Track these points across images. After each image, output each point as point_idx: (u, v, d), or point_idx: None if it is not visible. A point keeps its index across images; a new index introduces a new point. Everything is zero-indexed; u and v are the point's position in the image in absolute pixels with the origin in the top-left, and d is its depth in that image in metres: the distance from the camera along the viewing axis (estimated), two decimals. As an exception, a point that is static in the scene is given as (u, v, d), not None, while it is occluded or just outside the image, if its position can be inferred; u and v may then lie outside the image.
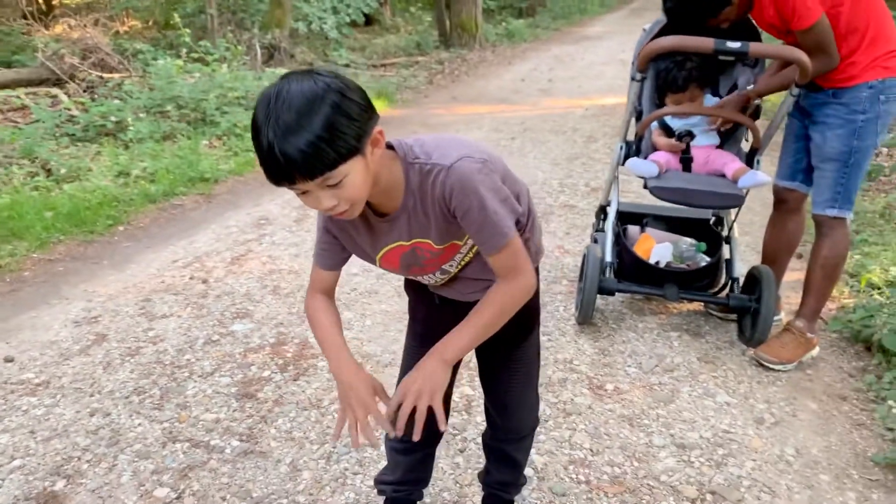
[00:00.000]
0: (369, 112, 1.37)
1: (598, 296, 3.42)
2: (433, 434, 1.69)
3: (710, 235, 3.67)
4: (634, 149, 3.38)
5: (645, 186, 3.24)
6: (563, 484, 2.41)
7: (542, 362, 2.97)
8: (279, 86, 1.30)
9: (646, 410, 2.83)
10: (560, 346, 3.29)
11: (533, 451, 2.56)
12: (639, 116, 3.44)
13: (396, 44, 14.05)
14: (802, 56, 2.75)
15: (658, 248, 3.57)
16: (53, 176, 5.65)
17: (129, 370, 3.02)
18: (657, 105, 3.42)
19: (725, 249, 3.53)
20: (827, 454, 2.63)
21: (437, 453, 2.21)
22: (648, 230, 3.75)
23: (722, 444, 2.66)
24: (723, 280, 3.52)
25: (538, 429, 2.61)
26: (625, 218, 3.79)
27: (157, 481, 2.36)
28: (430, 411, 1.55)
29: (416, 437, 1.55)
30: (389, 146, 1.50)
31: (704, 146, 3.34)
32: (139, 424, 2.66)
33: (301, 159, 1.27)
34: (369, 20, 17.27)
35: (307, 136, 1.26)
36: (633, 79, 3.13)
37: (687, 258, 3.55)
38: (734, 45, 2.80)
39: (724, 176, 3.25)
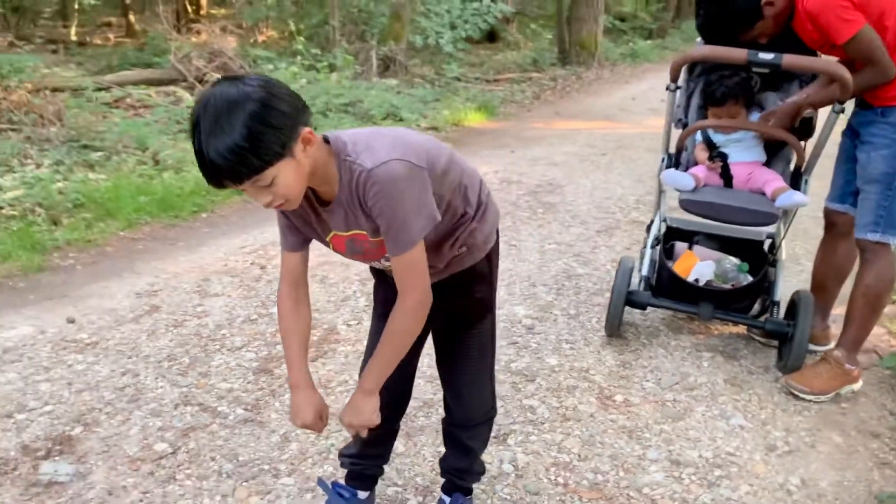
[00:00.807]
0: (296, 117, 1.45)
1: (631, 309, 3.38)
2: (386, 418, 1.86)
3: (760, 257, 3.53)
4: (674, 161, 3.32)
5: (682, 206, 3.18)
6: (538, 483, 2.42)
7: (556, 368, 3.03)
8: (209, 92, 1.41)
9: (650, 425, 2.78)
10: (581, 355, 3.27)
11: (518, 449, 2.58)
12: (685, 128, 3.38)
13: (515, 60, 14.18)
14: (839, 70, 2.64)
15: (700, 266, 3.48)
16: (160, 166, 6.14)
17: (168, 339, 3.26)
18: (703, 118, 3.34)
19: (771, 273, 3.39)
20: (836, 489, 2.49)
21: (422, 441, 2.28)
22: (696, 248, 3.65)
23: (721, 465, 2.57)
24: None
25: (528, 428, 2.66)
26: (675, 234, 3.71)
27: (160, 437, 2.56)
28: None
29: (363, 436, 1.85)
30: (327, 140, 1.59)
31: (747, 163, 3.24)
32: (161, 387, 2.88)
33: (226, 166, 1.38)
34: (494, 37, 17.52)
35: (229, 144, 1.36)
36: (667, 89, 3.09)
37: (731, 278, 3.44)
38: (767, 56, 2.72)
39: (764, 194, 3.14)
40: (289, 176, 1.46)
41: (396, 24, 11.66)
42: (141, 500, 2.25)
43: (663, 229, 3.61)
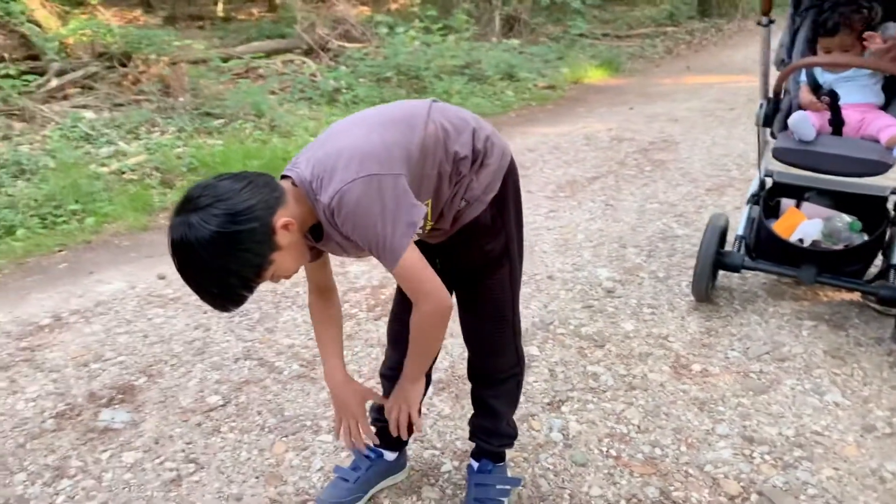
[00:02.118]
0: (265, 218, 1.42)
1: (728, 274, 3.09)
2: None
3: (881, 216, 3.11)
4: (772, 107, 2.96)
5: (774, 155, 2.85)
6: (588, 454, 2.25)
7: (631, 334, 2.81)
8: (171, 235, 1.39)
9: (726, 397, 2.52)
10: (662, 320, 3.02)
11: (572, 417, 2.42)
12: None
13: (650, 15, 13.47)
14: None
15: (805, 225, 3.11)
16: (276, 131, 6.31)
17: (244, 296, 3.33)
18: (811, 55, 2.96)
19: (891, 232, 2.98)
20: (943, 480, 2.15)
21: (469, 404, 2.17)
22: (805, 206, 3.27)
23: (803, 445, 2.29)
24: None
25: (587, 396, 2.50)
26: (782, 190, 3.34)
27: (215, 390, 2.61)
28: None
29: (403, 436, 1.87)
30: (292, 181, 1.55)
31: (860, 105, 2.84)
32: (227, 340, 2.93)
33: (217, 307, 1.49)
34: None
35: (211, 299, 1.46)
36: (758, 24, 2.75)
37: (842, 239, 3.05)
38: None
39: (878, 142, 2.74)
40: (282, 264, 1.50)
41: (521, -20, 11.36)
42: (183, 450, 2.29)
43: (768, 184, 3.26)
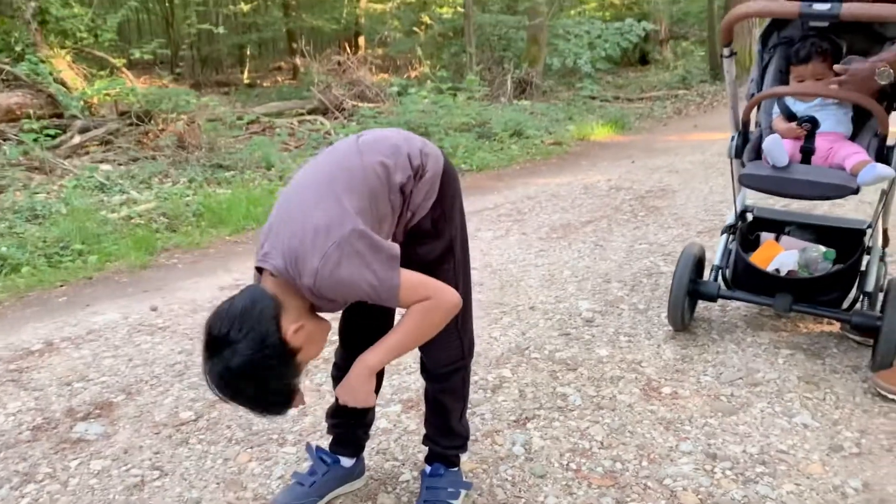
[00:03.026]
0: (282, 355, 1.57)
1: (710, 306, 3.11)
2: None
3: (857, 247, 3.13)
4: (742, 139, 3.03)
5: (740, 180, 2.90)
6: (547, 467, 2.25)
7: (604, 359, 2.83)
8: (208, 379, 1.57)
9: (694, 418, 2.52)
10: (637, 347, 3.04)
11: (536, 434, 2.43)
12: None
13: (663, 80, 13.73)
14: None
15: (782, 256, 3.13)
16: (284, 181, 6.49)
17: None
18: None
19: (865, 261, 3.00)
20: (906, 496, 2.12)
21: None
22: (784, 239, 3.30)
23: (766, 462, 2.28)
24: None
25: (553, 414, 2.51)
26: (762, 225, 3.39)
27: (189, 406, 2.66)
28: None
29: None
30: (270, 272, 1.64)
31: (830, 133, 2.89)
32: (207, 363, 2.99)
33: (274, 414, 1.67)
34: (645, 60, 17.10)
35: (264, 410, 1.64)
36: (721, 56, 2.84)
37: (819, 269, 3.07)
38: (822, 7, 2.43)
39: (843, 170, 2.79)
40: (307, 355, 1.66)
41: (533, 48, 11.72)
42: (150, 459, 2.34)
43: (749, 218, 3.31)
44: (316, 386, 2.78)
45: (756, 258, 3.13)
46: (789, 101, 2.99)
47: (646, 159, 7.08)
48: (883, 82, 2.60)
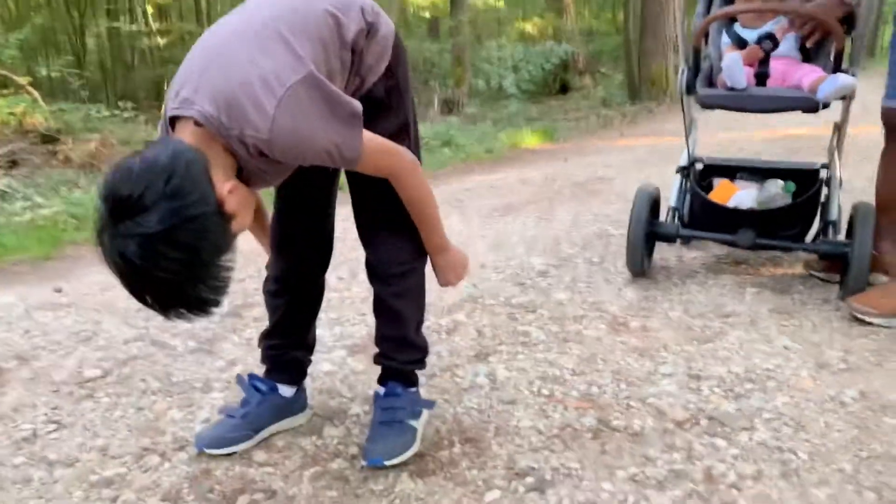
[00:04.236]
0: (217, 216, 1.26)
1: (665, 255, 2.93)
2: (305, 274, 1.77)
3: (813, 183, 3.01)
4: (693, 72, 2.89)
5: (698, 100, 2.76)
6: (517, 395, 1.98)
7: (564, 301, 2.60)
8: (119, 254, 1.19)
9: (669, 346, 2.30)
10: (597, 290, 2.82)
11: (500, 366, 2.16)
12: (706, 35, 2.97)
13: (585, 103, 13.91)
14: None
15: (739, 194, 3.00)
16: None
17: (146, 296, 3.02)
18: (728, 20, 2.92)
19: (825, 192, 2.89)
20: (908, 401, 1.94)
21: None
22: (739, 182, 3.17)
23: (754, 380, 2.06)
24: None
25: (517, 349, 2.26)
26: (713, 171, 3.25)
27: (95, 365, 2.28)
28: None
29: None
30: (194, 121, 1.30)
31: (783, 58, 2.78)
32: (119, 329, 2.62)
33: (201, 309, 1.30)
34: (566, 89, 17.36)
35: (189, 302, 1.28)
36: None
37: (779, 203, 2.94)
38: None
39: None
40: (240, 224, 1.36)
41: (458, 69, 11.70)
42: (45, 414, 1.95)
43: (699, 167, 3.17)
44: (245, 340, 2.44)
45: (713, 198, 2.98)
46: (738, 28, 2.88)
47: (578, 158, 7.00)
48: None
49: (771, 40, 2.71)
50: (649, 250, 2.99)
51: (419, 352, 1.76)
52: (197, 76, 1.32)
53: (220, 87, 1.29)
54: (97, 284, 3.29)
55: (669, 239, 2.91)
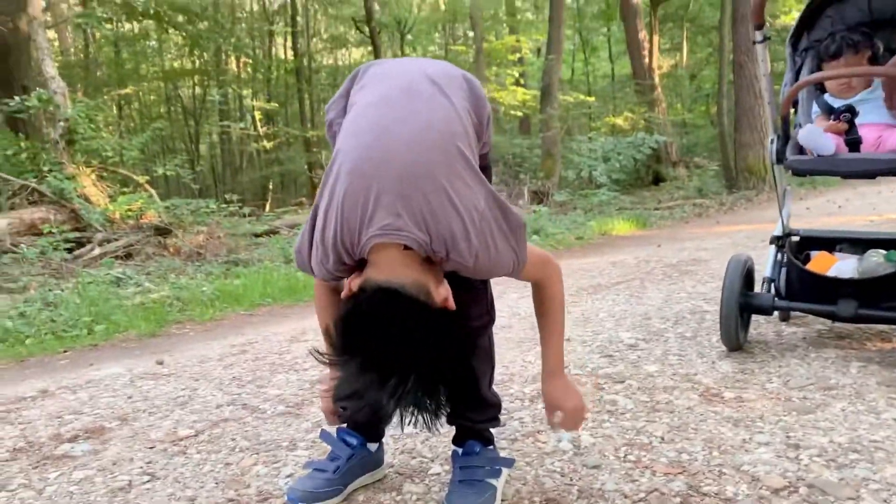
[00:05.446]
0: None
1: (763, 330, 2.83)
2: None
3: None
4: (783, 140, 2.85)
5: (788, 167, 2.71)
6: (602, 460, 1.92)
7: (654, 373, 2.55)
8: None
9: (765, 416, 2.19)
10: (690, 364, 2.73)
11: (586, 433, 2.11)
12: (796, 106, 2.94)
13: (679, 193, 13.76)
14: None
15: (839, 265, 2.89)
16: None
17: (242, 367, 3.13)
18: (818, 89, 2.90)
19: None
20: None
21: None
22: (836, 253, 3.06)
23: (860, 451, 1.93)
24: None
25: (602, 416, 2.19)
26: (810, 244, 3.16)
27: (189, 426, 2.36)
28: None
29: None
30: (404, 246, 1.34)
31: (877, 124, 2.72)
32: (213, 395, 2.71)
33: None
34: (658, 180, 17.26)
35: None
36: (754, 42, 2.73)
37: (882, 273, 2.80)
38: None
39: (898, 154, 2.59)
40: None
41: (548, 161, 11.87)
42: (141, 468, 2.03)
43: (795, 240, 3.09)
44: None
45: (811, 268, 2.88)
46: (829, 97, 2.85)
47: (672, 244, 6.90)
48: None
49: (850, 112, 2.67)
50: (744, 323, 2.89)
51: (493, 409, 1.75)
52: (394, 199, 1.31)
53: (425, 213, 1.31)
54: (196, 357, 3.44)
55: (765, 311, 2.81)
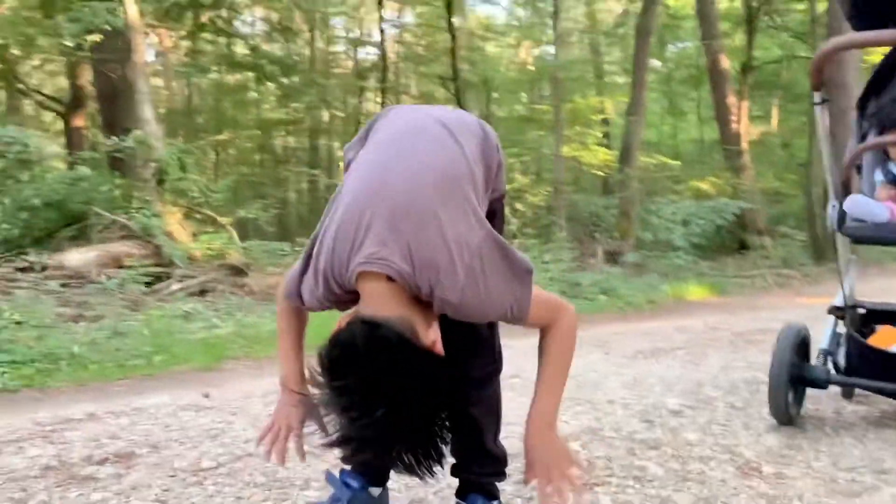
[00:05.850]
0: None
1: (819, 405, 2.69)
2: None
3: None
4: (842, 203, 2.73)
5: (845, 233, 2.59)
6: (617, 526, 1.83)
7: (693, 442, 2.43)
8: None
9: (804, 496, 2.04)
10: (733, 434, 2.59)
11: (607, 498, 2.01)
12: (859, 170, 2.82)
13: (763, 262, 13.29)
14: None
15: (904, 341, 2.71)
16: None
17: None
18: (883, 155, 2.77)
19: None
20: None
21: None
22: (904, 330, 2.88)
23: (905, 540, 1.77)
24: None
25: (628, 482, 2.12)
26: (875, 318, 2.99)
27: (213, 458, 2.38)
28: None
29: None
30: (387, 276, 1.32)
31: (943, 193, 2.57)
32: (245, 430, 2.73)
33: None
34: (744, 246, 16.72)
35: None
36: (813, 104, 2.63)
37: (954, 354, 2.62)
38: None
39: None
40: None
41: (624, 222, 11.70)
42: (156, 495, 2.05)
43: (855, 300, 2.93)
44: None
45: (873, 343, 2.71)
46: (893, 165, 2.72)
47: (745, 312, 6.65)
48: None
49: None
50: (797, 396, 2.73)
51: (498, 463, 1.70)
52: (383, 229, 1.32)
53: (411, 244, 1.30)
54: (241, 392, 3.49)
55: (819, 384, 2.65)
